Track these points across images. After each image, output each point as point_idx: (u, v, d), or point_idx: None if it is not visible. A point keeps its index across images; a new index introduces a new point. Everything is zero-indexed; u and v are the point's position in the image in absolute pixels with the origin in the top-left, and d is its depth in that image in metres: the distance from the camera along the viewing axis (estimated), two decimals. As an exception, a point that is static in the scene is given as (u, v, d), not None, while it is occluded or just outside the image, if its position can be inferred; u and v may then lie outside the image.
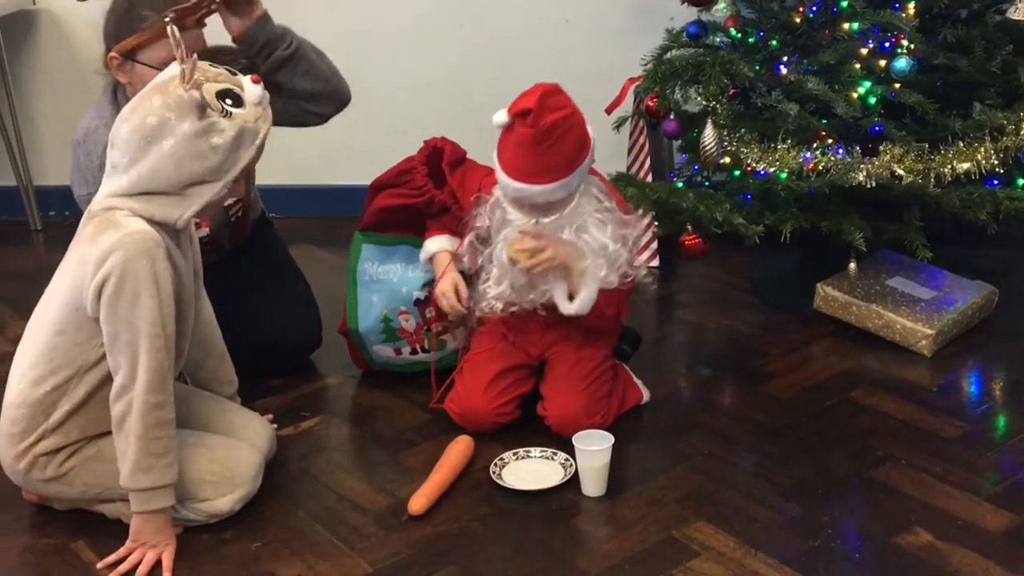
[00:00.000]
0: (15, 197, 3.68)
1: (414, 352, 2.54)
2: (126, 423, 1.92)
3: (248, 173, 2.31)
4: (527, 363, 2.40)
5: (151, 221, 1.93)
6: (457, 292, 2.33)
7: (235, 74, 1.98)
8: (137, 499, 1.96)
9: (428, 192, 2.40)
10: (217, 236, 2.53)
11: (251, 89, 1.95)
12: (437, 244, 2.42)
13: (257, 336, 2.55)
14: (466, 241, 2.32)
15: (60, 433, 2.01)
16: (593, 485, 2.14)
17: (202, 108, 1.88)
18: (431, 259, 2.42)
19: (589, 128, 2.19)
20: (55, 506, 2.13)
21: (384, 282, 2.49)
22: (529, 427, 2.36)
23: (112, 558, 1.99)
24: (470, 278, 2.38)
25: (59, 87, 3.63)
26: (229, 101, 1.92)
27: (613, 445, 2.14)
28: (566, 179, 2.14)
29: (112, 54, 2.27)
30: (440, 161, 2.40)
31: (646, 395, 2.47)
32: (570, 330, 2.34)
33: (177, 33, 1.91)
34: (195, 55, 1.92)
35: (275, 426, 2.35)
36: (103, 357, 1.96)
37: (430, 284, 2.45)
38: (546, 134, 2.10)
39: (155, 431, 1.92)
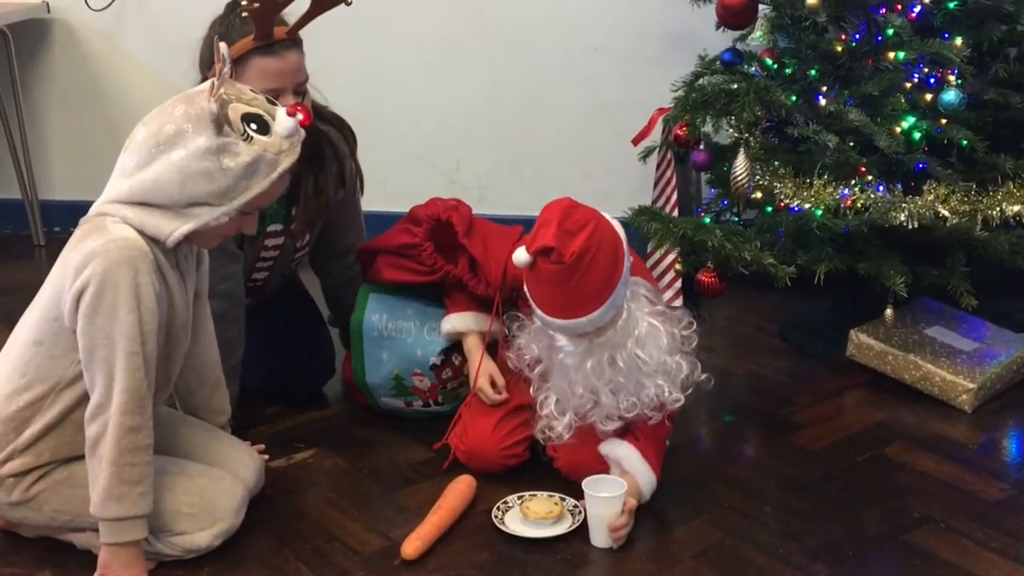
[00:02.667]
0: (19, 211, 3.59)
1: (427, 406, 2.40)
2: (100, 446, 1.80)
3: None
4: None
5: (141, 233, 1.81)
6: (494, 383, 2.23)
7: (275, 104, 1.87)
8: (106, 529, 1.82)
9: (441, 269, 2.28)
10: (272, 282, 2.45)
11: (283, 120, 1.84)
12: (463, 323, 2.30)
13: (273, 365, 2.46)
14: (510, 357, 2.14)
15: (30, 453, 1.88)
16: (602, 535, 1.98)
17: (219, 124, 1.77)
18: (457, 333, 2.31)
19: (614, 223, 2.00)
20: (22, 533, 2.01)
21: (396, 340, 2.35)
22: (536, 468, 2.21)
23: (76, 592, 1.84)
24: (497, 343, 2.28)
25: (70, 99, 3.55)
26: (254, 126, 1.80)
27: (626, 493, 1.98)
28: (611, 299, 1.94)
29: None
30: (445, 233, 2.26)
31: None
32: None
33: (223, 48, 1.80)
34: (229, 70, 1.80)
35: (265, 457, 2.22)
36: (81, 374, 1.83)
37: (448, 350, 2.34)
38: (575, 266, 1.89)
39: (129, 456, 1.79)
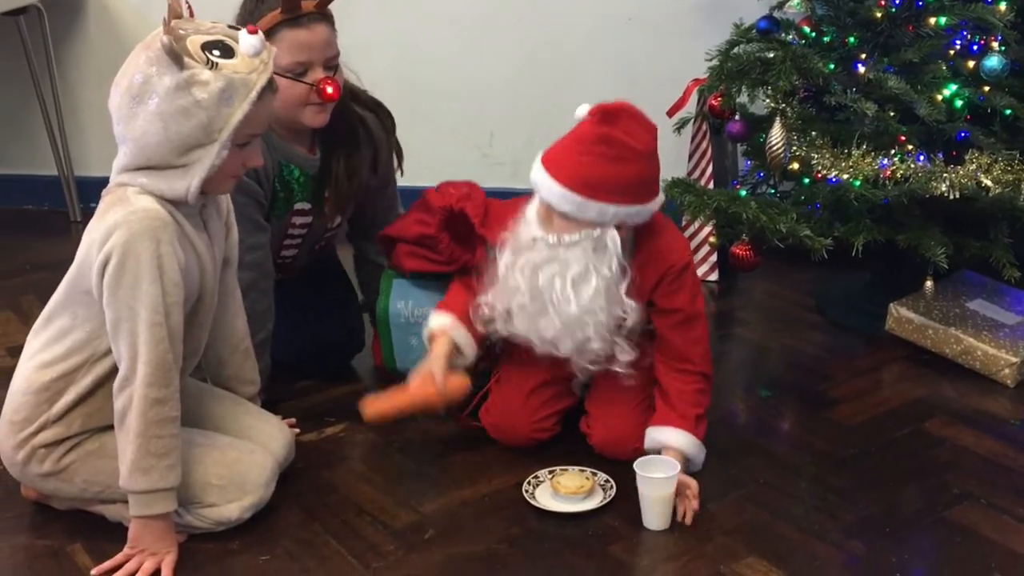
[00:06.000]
0: (56, 187, 3.61)
1: None
2: (126, 419, 1.80)
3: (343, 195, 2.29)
4: (570, 376, 2.21)
5: (163, 199, 1.80)
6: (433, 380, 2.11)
7: (237, 28, 1.84)
8: (136, 502, 1.82)
9: (459, 259, 2.26)
10: (301, 259, 2.44)
11: (246, 40, 1.80)
12: (437, 322, 2.19)
13: (301, 338, 2.45)
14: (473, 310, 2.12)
15: (63, 423, 1.89)
16: (654, 517, 1.94)
17: (178, 58, 1.73)
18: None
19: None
20: (55, 505, 2.01)
21: (423, 325, 2.28)
22: (568, 443, 2.19)
23: (107, 565, 1.85)
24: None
25: (105, 76, 3.48)
26: (217, 52, 1.77)
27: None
28: (599, 203, 1.92)
29: None
30: (461, 223, 2.23)
31: None
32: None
33: None
34: (187, 8, 1.78)
35: (297, 431, 2.21)
36: None
37: None
38: (613, 140, 1.90)
39: (155, 429, 1.78)
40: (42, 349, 1.90)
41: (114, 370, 1.83)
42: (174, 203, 1.81)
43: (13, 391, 1.91)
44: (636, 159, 1.93)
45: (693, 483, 1.97)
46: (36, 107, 3.49)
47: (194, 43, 1.76)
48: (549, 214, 1.97)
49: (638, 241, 2.06)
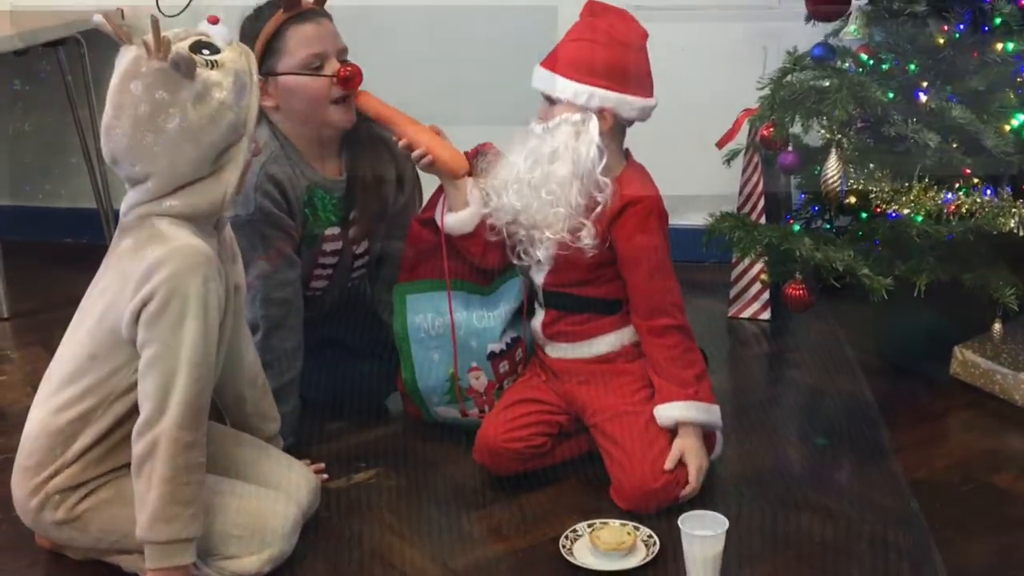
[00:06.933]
0: (95, 220, 3.58)
1: (483, 413, 2.26)
2: (148, 464, 1.72)
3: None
4: (560, 406, 2.18)
5: (192, 220, 1.75)
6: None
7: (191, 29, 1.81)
8: (154, 553, 1.75)
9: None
10: (331, 293, 2.37)
11: (217, 31, 1.78)
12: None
13: (332, 376, 2.40)
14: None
15: (77, 466, 1.82)
16: None
17: (188, 68, 1.69)
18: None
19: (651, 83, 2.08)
20: (69, 555, 1.95)
21: (445, 337, 2.22)
22: (603, 495, 2.09)
23: (120, 618, 1.77)
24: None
25: (145, 108, 3.51)
26: (207, 51, 1.74)
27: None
28: (577, 83, 2.01)
29: None
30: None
31: (718, 447, 2.20)
32: (605, 388, 2.14)
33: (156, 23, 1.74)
34: (155, 20, 1.73)
35: (325, 476, 2.13)
36: (135, 385, 1.76)
37: (509, 332, 2.22)
38: (595, 28, 2.01)
39: (184, 475, 1.71)
40: (57, 392, 1.84)
41: (134, 409, 1.76)
42: (198, 223, 1.76)
43: (27, 435, 1.85)
44: (617, 45, 2.02)
45: (704, 463, 2.06)
46: (75, 139, 3.47)
47: (184, 49, 1.71)
48: (543, 110, 2.07)
49: (620, 174, 2.10)
